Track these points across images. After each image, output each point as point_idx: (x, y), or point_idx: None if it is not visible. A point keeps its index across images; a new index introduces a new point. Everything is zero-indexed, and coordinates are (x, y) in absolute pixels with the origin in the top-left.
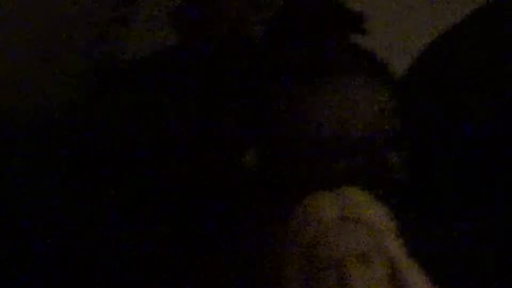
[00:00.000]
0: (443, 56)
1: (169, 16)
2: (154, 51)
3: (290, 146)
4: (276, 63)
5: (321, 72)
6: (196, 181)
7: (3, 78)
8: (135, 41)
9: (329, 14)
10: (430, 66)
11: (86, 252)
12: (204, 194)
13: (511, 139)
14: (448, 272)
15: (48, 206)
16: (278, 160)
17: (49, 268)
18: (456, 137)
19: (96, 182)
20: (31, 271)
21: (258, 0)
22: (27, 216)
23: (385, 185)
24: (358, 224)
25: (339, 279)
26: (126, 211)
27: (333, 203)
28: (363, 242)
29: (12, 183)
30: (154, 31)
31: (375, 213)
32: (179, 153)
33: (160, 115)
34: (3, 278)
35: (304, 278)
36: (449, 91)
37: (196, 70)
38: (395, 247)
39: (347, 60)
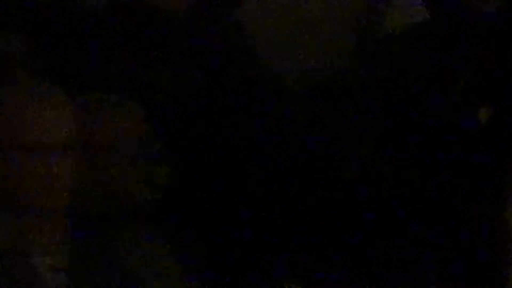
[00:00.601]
0: None
1: None
2: (413, 24)
3: None
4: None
5: None
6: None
7: (281, 46)
8: (396, 15)
9: None
10: None
11: None
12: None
13: None
14: None
15: None
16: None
17: None
18: None
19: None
20: None
21: None
22: None
23: None
24: None
25: None
26: None
27: None
28: None
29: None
30: (412, 5)
31: None
32: (417, 96)
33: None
34: None
35: None
36: None
37: (448, 42)
38: None
39: None
